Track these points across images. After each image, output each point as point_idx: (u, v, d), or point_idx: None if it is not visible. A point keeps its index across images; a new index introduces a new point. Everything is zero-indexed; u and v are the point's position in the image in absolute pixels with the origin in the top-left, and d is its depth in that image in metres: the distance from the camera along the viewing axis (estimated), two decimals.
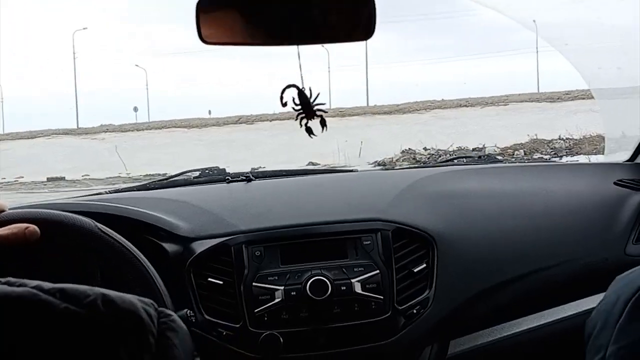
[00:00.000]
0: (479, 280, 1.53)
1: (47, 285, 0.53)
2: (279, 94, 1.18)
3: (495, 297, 1.54)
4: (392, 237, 1.48)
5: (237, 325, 1.39)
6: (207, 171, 1.89)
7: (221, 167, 1.94)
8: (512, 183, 1.73)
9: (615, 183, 1.72)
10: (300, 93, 1.19)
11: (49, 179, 12.52)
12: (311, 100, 1.21)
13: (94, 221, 1.22)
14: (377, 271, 1.43)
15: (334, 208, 1.58)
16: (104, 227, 1.22)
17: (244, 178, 1.76)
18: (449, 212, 1.58)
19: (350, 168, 2.05)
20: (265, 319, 1.38)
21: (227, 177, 1.79)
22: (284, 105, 1.17)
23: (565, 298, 1.61)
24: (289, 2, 1.03)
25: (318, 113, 1.23)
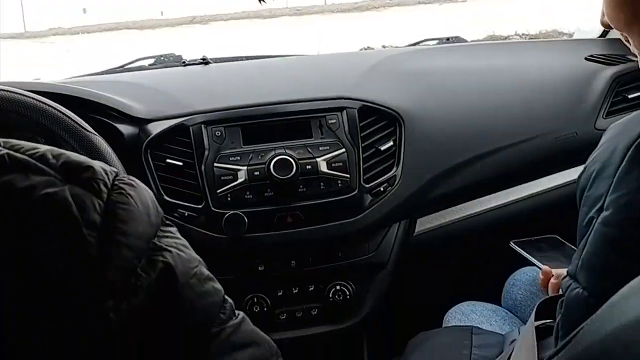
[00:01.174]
0: (447, 157, 1.49)
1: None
2: None
3: (464, 175, 1.51)
4: (359, 115, 1.43)
5: (200, 206, 1.34)
6: (162, 58, 1.79)
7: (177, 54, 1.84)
8: (482, 61, 1.67)
9: (586, 58, 1.67)
10: None
11: None
12: None
13: (40, 97, 1.16)
14: (343, 150, 1.39)
15: (297, 88, 1.51)
16: (49, 100, 1.16)
17: (202, 61, 1.68)
18: (416, 90, 1.53)
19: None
20: (229, 199, 1.34)
21: (183, 61, 1.71)
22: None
23: (535, 174, 1.59)
24: None
25: None
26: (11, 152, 0.45)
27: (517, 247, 1.38)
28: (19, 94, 1.15)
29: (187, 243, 0.53)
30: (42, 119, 1.15)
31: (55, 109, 1.16)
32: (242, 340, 0.53)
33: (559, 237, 1.40)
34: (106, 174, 0.48)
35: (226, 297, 0.54)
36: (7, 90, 1.15)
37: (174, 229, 0.53)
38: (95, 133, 1.18)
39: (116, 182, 0.48)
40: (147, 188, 0.52)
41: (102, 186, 0.47)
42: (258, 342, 0.55)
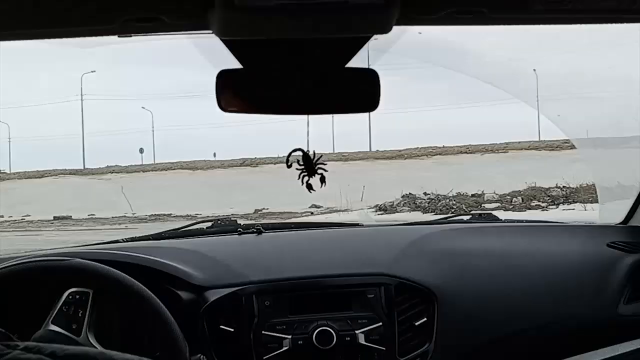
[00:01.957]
0: (477, 334, 1.60)
1: (59, 351, 0.59)
2: (286, 157, 1.30)
3: (492, 352, 1.61)
4: (395, 291, 1.56)
5: None
6: (219, 222, 1.97)
7: (232, 218, 2.03)
8: (510, 242, 1.82)
9: (608, 245, 1.79)
10: (305, 156, 1.30)
11: (55, 218, 12.63)
12: (314, 161, 1.33)
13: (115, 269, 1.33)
14: (380, 323, 1.51)
15: (340, 262, 1.67)
16: (123, 274, 1.33)
17: (255, 230, 1.85)
18: (449, 269, 1.67)
19: (357, 222, 2.15)
20: None
21: (238, 229, 1.87)
22: (289, 166, 1.28)
23: (560, 355, 1.67)
24: (304, 78, 1.13)
25: (319, 171, 1.34)
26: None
27: None
28: (96, 266, 1.32)
29: None
30: (114, 290, 1.32)
31: (142, 291, 1.32)
32: None
33: None
34: None
35: None
36: (86, 262, 1.33)
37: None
38: (161, 304, 1.34)
39: None
40: None
41: None
42: None
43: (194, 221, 2.03)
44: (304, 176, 1.35)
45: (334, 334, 1.46)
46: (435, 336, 1.55)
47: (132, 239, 1.94)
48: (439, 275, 1.63)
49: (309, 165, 1.33)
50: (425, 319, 1.56)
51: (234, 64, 1.08)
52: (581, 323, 1.65)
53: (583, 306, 1.66)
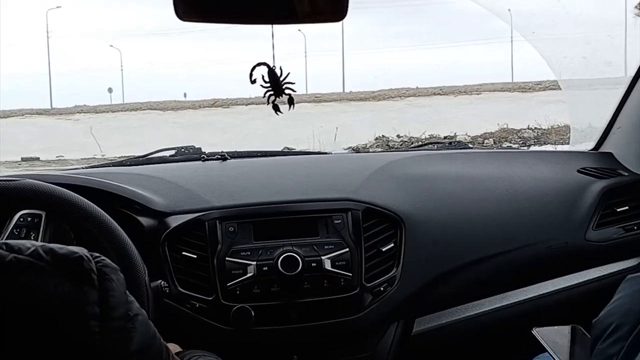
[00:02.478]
0: (445, 260, 1.58)
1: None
2: (249, 72, 1.21)
3: (460, 278, 1.60)
4: (362, 217, 1.52)
5: (210, 298, 1.43)
6: (182, 150, 1.91)
7: (197, 147, 1.96)
8: (480, 168, 1.79)
9: (578, 171, 1.78)
10: (270, 71, 1.22)
11: (23, 159, 12.37)
12: (281, 79, 1.25)
13: (69, 191, 1.27)
14: (347, 249, 1.48)
15: (306, 188, 1.62)
16: (78, 196, 1.26)
17: (220, 157, 1.80)
18: (417, 194, 1.64)
19: (325, 151, 2.10)
20: (238, 292, 1.42)
21: (202, 156, 1.82)
22: (253, 82, 1.20)
23: (528, 281, 1.67)
24: None
25: (287, 92, 1.26)
26: (17, 255, 0.57)
27: (538, 335, 1.42)
28: (61, 195, 1.25)
29: (137, 305, 0.65)
30: (69, 212, 1.25)
31: (94, 210, 1.26)
32: None
33: (581, 328, 1.42)
34: (90, 260, 0.61)
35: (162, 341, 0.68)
36: (38, 183, 1.26)
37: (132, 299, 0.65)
38: (118, 227, 1.28)
39: (99, 267, 0.61)
40: (116, 266, 0.64)
41: (92, 275, 0.59)
42: None
43: (157, 149, 1.95)
44: (269, 95, 1.28)
45: (299, 259, 1.43)
46: (403, 262, 1.53)
47: (91, 166, 1.87)
48: (407, 201, 1.60)
49: (275, 82, 1.26)
50: (392, 244, 1.53)
51: None
52: (549, 249, 1.64)
53: (552, 232, 1.65)
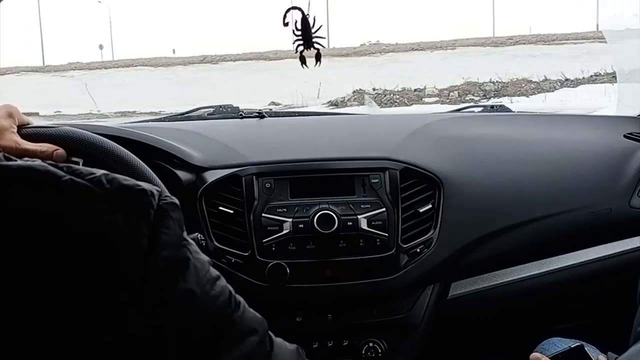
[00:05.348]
0: (484, 224, 1.55)
1: (56, 163, 0.56)
2: (282, 13, 1.16)
3: (499, 242, 1.56)
4: (400, 177, 1.50)
5: (246, 254, 1.43)
6: (220, 108, 1.91)
7: (235, 105, 1.96)
8: (522, 131, 1.74)
9: (625, 136, 1.72)
10: (304, 19, 1.19)
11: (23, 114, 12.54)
12: (312, 30, 1.21)
13: (112, 141, 1.27)
14: (384, 209, 1.46)
15: (344, 146, 1.60)
16: (117, 145, 1.27)
17: (257, 115, 1.79)
18: (457, 156, 1.60)
19: (363, 113, 2.07)
20: (273, 249, 1.42)
21: (240, 114, 1.82)
22: (286, 25, 1.17)
23: (569, 247, 1.63)
24: None
25: (316, 46, 1.23)
26: (73, 178, 0.54)
27: None
28: (87, 134, 1.27)
29: (198, 249, 0.62)
30: (107, 160, 1.26)
31: (121, 152, 1.27)
32: (245, 329, 0.62)
33: (584, 347, 1.36)
34: (153, 196, 0.57)
35: (230, 288, 0.63)
36: (77, 130, 1.27)
37: (193, 245, 0.62)
38: (156, 177, 1.29)
39: (161, 203, 0.57)
40: (178, 204, 0.60)
41: (150, 209, 0.55)
42: (256, 328, 0.64)
43: (195, 107, 1.96)
44: (298, 45, 1.24)
45: (335, 217, 1.41)
46: (440, 224, 1.50)
47: (131, 122, 1.88)
48: (446, 162, 1.57)
49: (306, 33, 1.23)
50: (430, 206, 1.51)
51: None
52: (592, 215, 1.60)
53: (595, 197, 1.61)
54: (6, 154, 0.56)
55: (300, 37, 1.18)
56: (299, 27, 1.18)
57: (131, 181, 0.57)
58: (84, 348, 0.51)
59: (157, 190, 0.58)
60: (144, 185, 0.57)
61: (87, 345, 0.51)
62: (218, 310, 0.60)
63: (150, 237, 0.54)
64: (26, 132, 1.24)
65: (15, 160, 0.55)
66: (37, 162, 0.55)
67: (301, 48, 1.19)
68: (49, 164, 0.55)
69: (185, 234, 0.59)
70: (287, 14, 1.15)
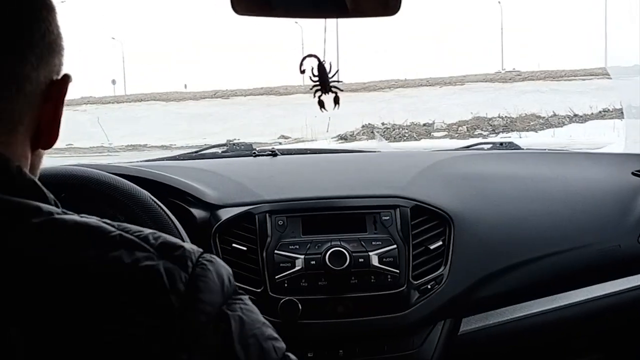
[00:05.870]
0: (494, 260, 1.57)
1: (107, 220, 0.60)
2: (299, 61, 1.22)
3: (509, 278, 1.58)
4: (411, 214, 1.52)
5: (259, 290, 1.45)
6: (234, 145, 1.96)
7: (248, 143, 2.00)
8: (531, 168, 1.77)
9: (633, 173, 1.74)
10: (320, 66, 1.23)
11: None
12: (329, 75, 1.26)
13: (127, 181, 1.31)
14: (395, 246, 1.48)
15: (355, 184, 1.64)
16: (131, 183, 1.31)
17: (270, 153, 1.83)
18: (467, 193, 1.63)
19: (374, 149, 2.11)
20: (285, 285, 1.44)
21: (253, 152, 1.86)
22: (302, 72, 1.22)
23: (578, 283, 1.64)
24: None
25: (333, 90, 1.27)
26: (122, 233, 0.58)
27: None
28: (108, 177, 1.31)
29: (254, 309, 0.63)
30: (124, 199, 1.30)
31: (136, 191, 1.31)
32: None
33: None
34: (193, 252, 0.60)
35: (288, 354, 0.64)
36: (98, 172, 1.32)
37: (245, 297, 0.63)
38: (171, 215, 1.32)
39: (200, 259, 0.59)
40: (224, 264, 0.63)
41: (188, 262, 0.58)
42: None
43: (209, 145, 2.01)
44: (316, 90, 1.29)
45: (347, 254, 1.44)
46: (451, 261, 1.52)
47: (147, 160, 1.93)
48: (456, 199, 1.60)
49: (323, 78, 1.27)
50: (440, 242, 1.53)
51: None
52: (601, 251, 1.61)
53: (604, 234, 1.62)
54: (64, 209, 0.59)
55: (317, 83, 1.23)
56: (316, 73, 1.22)
57: (175, 239, 0.60)
58: None
59: (199, 250, 0.60)
60: (185, 244, 0.60)
61: None
62: None
63: (187, 284, 0.56)
64: (46, 172, 1.28)
65: (72, 215, 0.59)
66: (93, 219, 0.59)
67: (319, 93, 1.24)
68: (99, 220, 0.59)
69: (233, 290, 0.61)
70: (304, 62, 1.19)
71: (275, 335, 0.64)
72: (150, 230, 0.60)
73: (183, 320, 0.55)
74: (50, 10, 0.65)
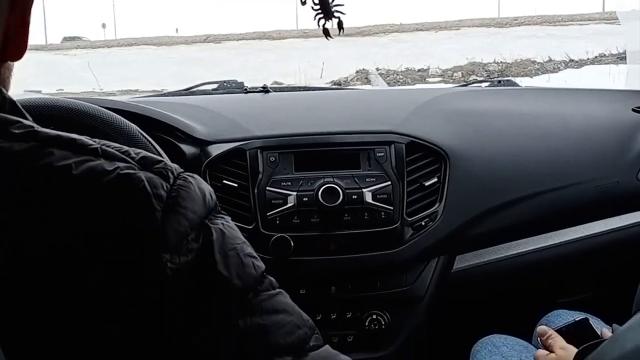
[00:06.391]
0: (490, 197, 1.54)
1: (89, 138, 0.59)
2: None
3: (504, 216, 1.56)
4: (406, 150, 1.49)
5: (250, 227, 1.43)
6: (225, 83, 1.90)
7: (239, 81, 1.95)
8: (530, 104, 1.73)
9: (633, 110, 1.71)
10: None
11: (25, 92, 12.63)
12: (330, 1, 1.21)
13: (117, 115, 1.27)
14: (389, 182, 1.45)
15: (349, 120, 1.59)
16: (124, 119, 1.27)
17: (262, 90, 1.78)
18: (463, 129, 1.59)
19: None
20: (277, 222, 1.42)
21: (245, 88, 1.81)
22: (303, 3, 1.16)
23: (575, 220, 1.62)
24: None
25: (336, 14, 1.22)
26: (103, 147, 0.57)
27: None
28: (94, 108, 1.27)
29: (235, 227, 0.62)
30: (111, 132, 1.26)
31: (124, 124, 1.27)
32: (274, 307, 0.60)
33: (589, 320, 1.29)
34: (174, 168, 0.59)
35: (267, 275, 0.63)
36: (84, 104, 1.27)
37: (227, 217, 0.63)
38: (159, 149, 1.29)
39: (180, 173, 0.59)
40: (204, 181, 0.62)
41: (169, 174, 0.57)
42: (290, 311, 0.61)
43: (199, 82, 1.95)
44: (319, 19, 1.24)
45: (340, 191, 1.41)
46: (446, 197, 1.50)
47: (135, 97, 1.87)
48: (452, 135, 1.56)
49: (325, 5, 1.22)
50: (435, 179, 1.50)
51: None
52: (599, 187, 1.58)
53: (603, 170, 1.59)
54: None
55: (319, 11, 1.18)
56: (316, 1, 1.17)
57: (158, 156, 0.59)
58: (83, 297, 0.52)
59: (181, 169, 0.59)
60: (168, 161, 0.59)
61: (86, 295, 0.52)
62: (241, 278, 0.58)
63: (168, 192, 0.56)
64: (31, 102, 1.24)
65: (53, 130, 0.57)
66: (74, 135, 0.57)
67: (322, 21, 1.19)
68: (81, 136, 0.58)
69: (214, 206, 0.60)
70: None
71: (255, 255, 0.63)
72: (132, 148, 0.59)
73: (166, 223, 0.54)
74: None
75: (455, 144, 1.54)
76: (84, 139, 0.57)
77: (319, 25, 1.21)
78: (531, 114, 1.67)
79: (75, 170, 0.53)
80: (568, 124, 1.64)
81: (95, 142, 0.57)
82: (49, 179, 0.53)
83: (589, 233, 1.61)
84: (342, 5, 1.20)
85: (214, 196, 0.61)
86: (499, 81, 1.96)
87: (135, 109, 1.45)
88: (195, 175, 0.60)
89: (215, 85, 1.92)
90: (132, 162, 0.56)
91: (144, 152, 0.58)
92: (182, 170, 0.59)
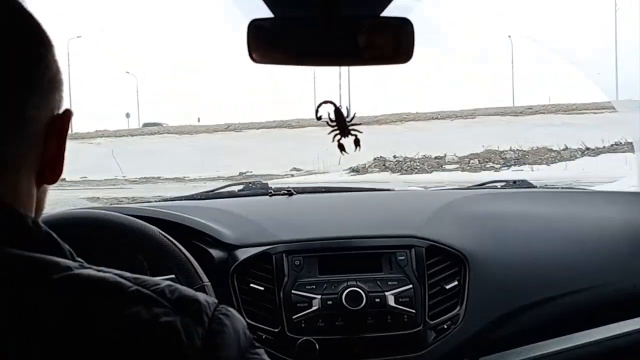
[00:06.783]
0: (510, 300, 1.57)
1: (125, 273, 0.61)
2: (315, 108, 1.26)
3: (525, 318, 1.58)
4: (426, 254, 1.54)
5: (276, 330, 1.46)
6: (250, 185, 1.99)
7: (263, 182, 2.04)
8: (545, 208, 1.78)
9: None
10: (337, 111, 1.27)
11: None
12: (347, 120, 1.29)
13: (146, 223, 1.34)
14: (410, 286, 1.49)
15: (371, 223, 1.66)
16: (155, 228, 1.33)
17: (286, 192, 1.86)
18: (481, 233, 1.64)
19: (388, 188, 2.13)
20: (303, 325, 1.46)
21: (269, 191, 1.89)
22: (319, 119, 1.25)
23: (594, 322, 1.64)
24: (337, 27, 1.11)
25: (353, 133, 1.31)
26: (139, 288, 0.59)
27: None
28: (125, 218, 1.34)
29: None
30: (145, 241, 1.32)
31: (154, 233, 1.34)
32: None
33: None
34: (209, 305, 0.60)
35: None
36: (119, 214, 1.35)
37: (261, 351, 0.64)
38: (190, 256, 1.35)
39: (215, 313, 0.60)
40: (239, 317, 0.63)
41: (204, 317, 0.59)
42: None
43: (226, 184, 2.04)
44: (335, 134, 1.32)
45: (363, 294, 1.45)
46: (467, 300, 1.53)
47: (164, 200, 1.96)
48: (471, 239, 1.61)
49: (342, 123, 1.31)
50: (456, 282, 1.54)
51: (265, 13, 1.06)
52: (616, 290, 1.61)
53: (619, 273, 1.62)
54: (82, 263, 0.61)
55: (335, 128, 1.26)
56: (333, 117, 1.25)
57: (191, 292, 0.61)
58: None
59: (214, 302, 0.61)
60: (201, 296, 0.61)
61: None
62: None
63: (204, 339, 0.57)
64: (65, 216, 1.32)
65: (89, 269, 0.59)
66: (110, 274, 0.59)
67: (338, 137, 1.27)
68: (117, 274, 0.60)
69: (249, 344, 0.62)
70: (319, 108, 1.23)
71: None
72: (167, 283, 0.61)
73: None
74: (48, 47, 0.64)
75: (474, 247, 1.58)
76: (121, 281, 0.59)
77: (333, 140, 1.30)
78: (547, 218, 1.72)
79: (117, 323, 0.55)
80: (583, 228, 1.69)
81: (131, 282, 0.59)
82: (91, 331, 0.55)
83: (609, 335, 1.62)
84: (360, 124, 1.30)
85: (247, 333, 0.63)
86: (514, 182, 2.02)
87: (166, 217, 1.52)
88: (230, 312, 0.62)
89: (240, 187, 2.00)
90: (168, 305, 0.58)
91: (179, 291, 0.60)
92: (215, 305, 0.61)
